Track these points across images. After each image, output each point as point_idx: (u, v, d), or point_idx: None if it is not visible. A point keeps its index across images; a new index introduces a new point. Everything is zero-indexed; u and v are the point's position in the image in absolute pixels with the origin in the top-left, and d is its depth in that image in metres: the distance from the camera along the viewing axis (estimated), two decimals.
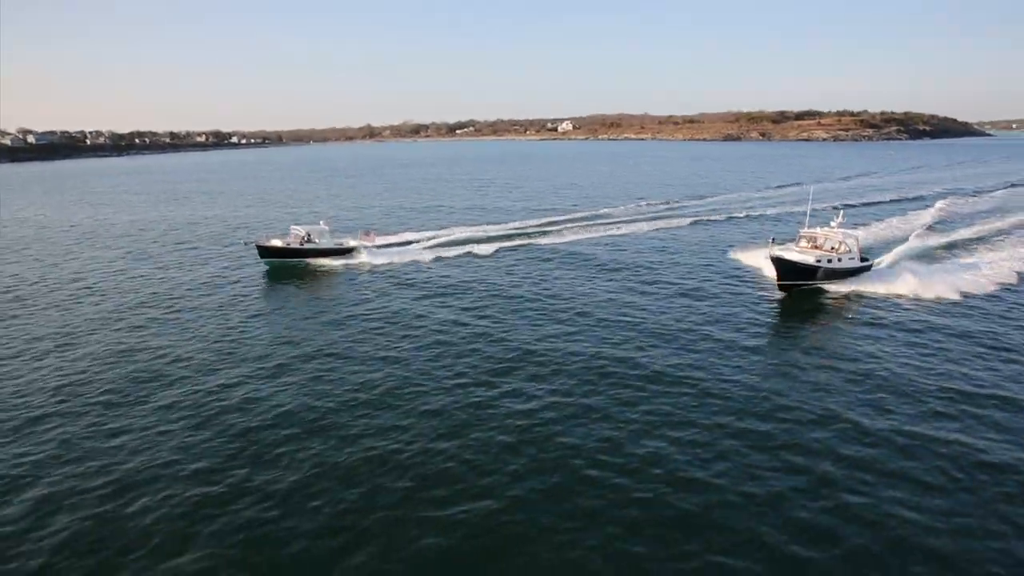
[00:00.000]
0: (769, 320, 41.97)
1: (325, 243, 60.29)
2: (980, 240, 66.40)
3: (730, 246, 65.38)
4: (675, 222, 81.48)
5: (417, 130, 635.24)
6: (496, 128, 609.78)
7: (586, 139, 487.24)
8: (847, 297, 46.28)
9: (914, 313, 42.84)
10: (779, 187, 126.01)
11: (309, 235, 59.92)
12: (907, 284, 47.47)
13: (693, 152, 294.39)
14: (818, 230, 51.36)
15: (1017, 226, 74.88)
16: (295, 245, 58.86)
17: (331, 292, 49.88)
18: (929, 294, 46.25)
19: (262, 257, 58.43)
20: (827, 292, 47.03)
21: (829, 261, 47.09)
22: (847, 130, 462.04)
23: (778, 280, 46.47)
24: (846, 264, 47.88)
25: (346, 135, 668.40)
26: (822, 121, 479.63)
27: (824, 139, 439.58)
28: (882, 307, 44.07)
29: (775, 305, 44.93)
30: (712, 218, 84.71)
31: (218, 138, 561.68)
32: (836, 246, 49.09)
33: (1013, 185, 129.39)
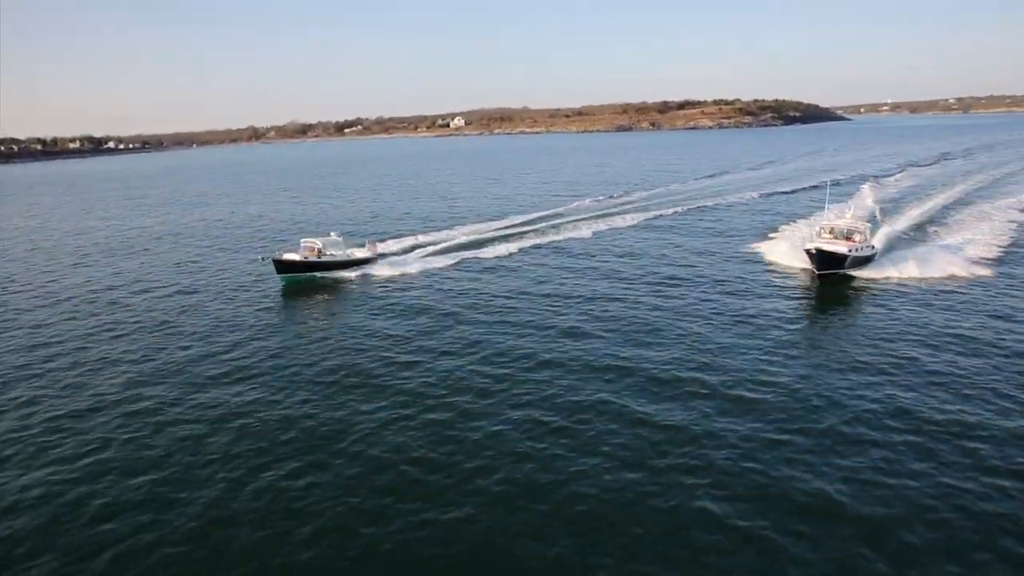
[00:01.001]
0: (820, 308, 45.19)
1: (341, 255, 58.82)
2: (937, 220, 72.76)
3: (734, 237, 68.71)
4: (647, 215, 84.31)
5: (304, 130, 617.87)
6: (386, 126, 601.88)
7: (481, 134, 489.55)
8: (871, 282, 50.08)
9: (935, 292, 46.96)
10: (712, 176, 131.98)
11: (322, 247, 58.30)
12: (912, 267, 51.91)
13: (597, 144, 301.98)
14: (840, 220, 55.43)
15: (956, 202, 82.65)
16: (312, 258, 57.16)
17: (351, 306, 48.98)
18: (937, 273, 50.79)
19: (280, 272, 56.40)
20: (854, 279, 50.66)
21: (857, 250, 50.90)
22: (729, 118, 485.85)
23: (817, 269, 49.70)
24: (866, 252, 51.86)
25: (230, 137, 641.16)
26: (705, 110, 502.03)
27: (710, 127, 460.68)
28: (902, 289, 48.05)
29: (812, 293, 48.21)
30: (677, 210, 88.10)
31: (94, 144, 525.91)
32: (858, 235, 53.14)
33: (913, 165, 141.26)
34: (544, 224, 78.70)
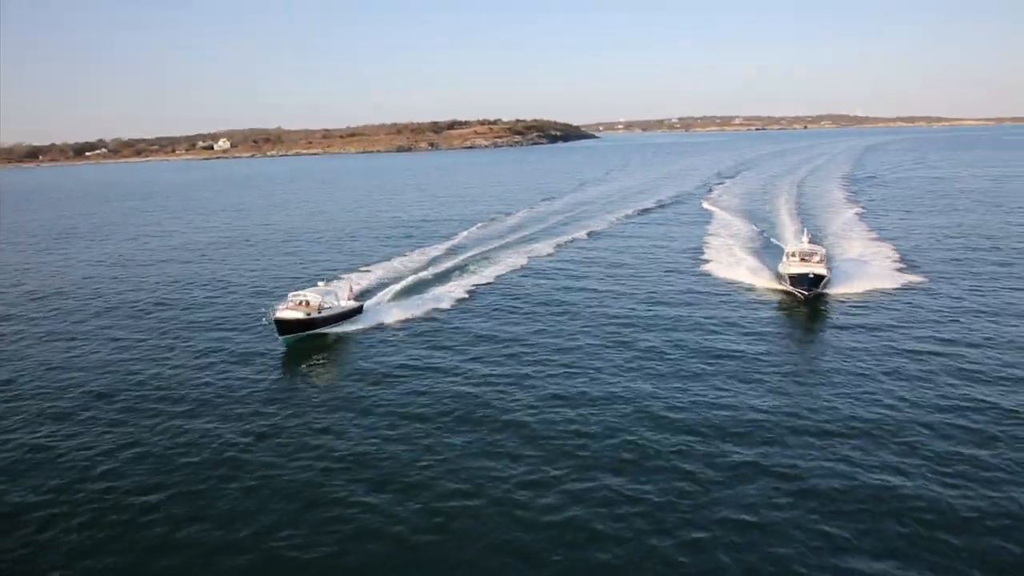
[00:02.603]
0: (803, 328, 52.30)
1: (337, 307, 54.29)
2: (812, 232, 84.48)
3: (687, 261, 74.85)
4: (560, 240, 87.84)
5: (34, 154, 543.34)
6: (137, 148, 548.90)
7: (252, 156, 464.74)
8: (833, 300, 57.60)
9: (890, 306, 55.60)
10: (552, 198, 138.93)
11: (321, 300, 53.15)
12: (863, 283, 60.90)
13: (395, 164, 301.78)
14: (806, 246, 63.43)
15: (821, 210, 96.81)
16: (314, 314, 51.88)
17: (367, 374, 44.81)
18: (890, 284, 60.14)
19: (282, 334, 50.37)
20: (827, 296, 58.13)
21: (829, 271, 59.04)
22: (501, 137, 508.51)
23: (805, 291, 56.79)
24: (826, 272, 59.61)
25: None
26: (477, 129, 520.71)
27: (485, 146, 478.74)
28: (863, 304, 56.23)
29: (794, 313, 55.27)
30: (580, 235, 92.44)
31: None
32: (820, 258, 61.04)
33: (725, 177, 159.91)
34: (463, 256, 78.54)
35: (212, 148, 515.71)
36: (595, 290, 62.90)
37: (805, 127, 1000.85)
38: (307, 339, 51.06)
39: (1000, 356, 43.04)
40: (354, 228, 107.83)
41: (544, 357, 45.43)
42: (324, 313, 52.29)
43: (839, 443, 32.69)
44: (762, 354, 44.82)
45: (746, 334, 49.14)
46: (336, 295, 55.59)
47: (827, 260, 61.89)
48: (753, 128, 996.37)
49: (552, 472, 30.89)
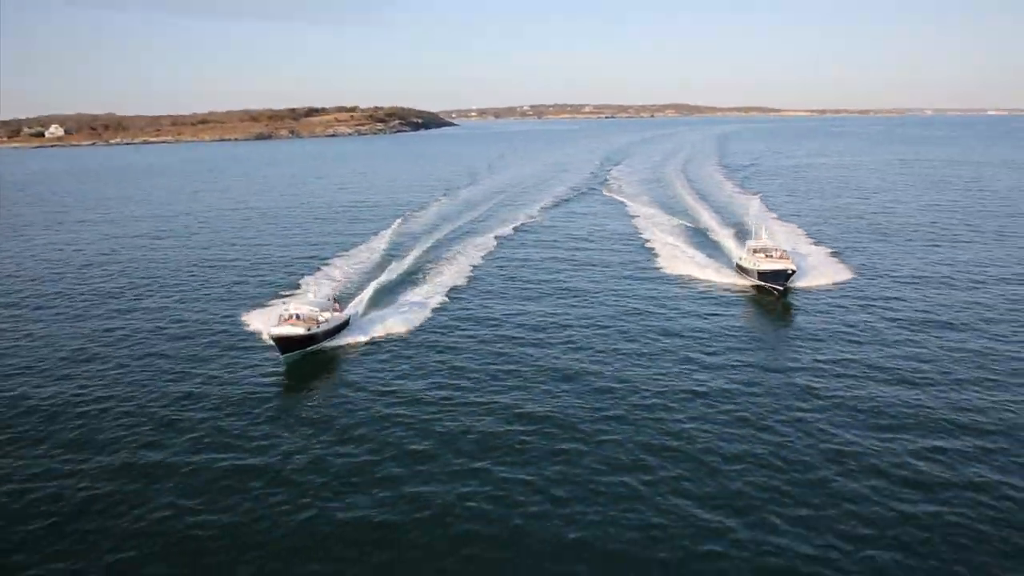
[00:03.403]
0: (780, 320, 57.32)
1: (333, 319, 50.27)
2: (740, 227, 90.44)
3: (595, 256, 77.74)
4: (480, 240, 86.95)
5: None
6: None
7: (93, 144, 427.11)
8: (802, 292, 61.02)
9: (855, 295, 61.13)
10: (452, 190, 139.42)
11: (319, 314, 49.25)
12: (825, 275, 64.25)
13: (249, 154, 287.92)
14: (766, 242, 65.64)
15: (726, 200, 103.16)
16: (315, 329, 47.84)
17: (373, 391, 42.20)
18: (844, 276, 64.40)
19: (284, 352, 46.28)
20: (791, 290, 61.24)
21: (796, 266, 61.73)
22: (363, 125, 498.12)
23: (780, 286, 59.45)
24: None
25: None
26: (338, 117, 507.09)
27: (349, 133, 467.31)
28: (826, 296, 60.35)
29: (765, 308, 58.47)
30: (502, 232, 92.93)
31: None
32: (781, 253, 62.93)
33: (611, 164, 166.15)
34: (412, 256, 75.36)
35: (43, 135, 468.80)
36: (563, 297, 60.92)
37: (652, 115, 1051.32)
38: (307, 356, 47.30)
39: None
40: (286, 222, 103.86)
41: (533, 366, 45.12)
42: (323, 327, 48.64)
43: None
44: (771, 356, 46.94)
45: (740, 338, 49.89)
46: (329, 306, 51.74)
47: (787, 255, 63.01)
48: (603, 116, 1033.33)
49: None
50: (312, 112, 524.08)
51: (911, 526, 27.75)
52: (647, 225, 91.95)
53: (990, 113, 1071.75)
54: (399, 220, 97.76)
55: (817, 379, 41.75)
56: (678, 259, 72.42)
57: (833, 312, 54.90)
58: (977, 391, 39.78)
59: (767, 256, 62.66)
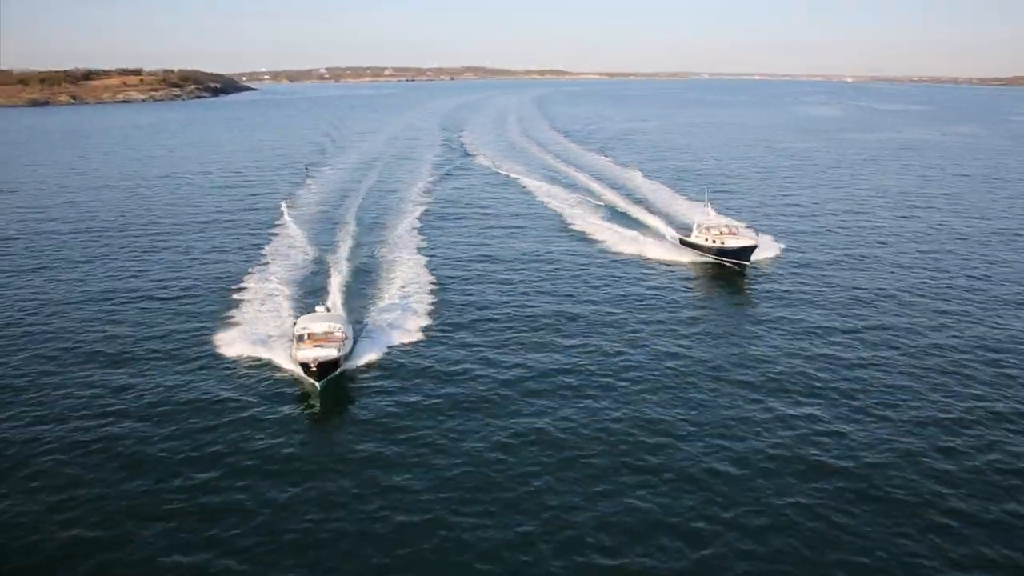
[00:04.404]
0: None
1: (351, 335, 45.81)
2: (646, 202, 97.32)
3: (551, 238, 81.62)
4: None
5: None
6: None
7: None
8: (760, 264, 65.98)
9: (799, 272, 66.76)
10: (323, 166, 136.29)
11: (326, 331, 43.98)
12: (766, 250, 67.26)
13: (31, 125, 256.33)
14: (719, 218, 67.95)
15: (604, 170, 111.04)
16: (343, 349, 42.88)
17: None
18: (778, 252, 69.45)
19: (320, 379, 41.25)
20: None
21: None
22: (157, 90, 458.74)
23: (746, 261, 63.31)
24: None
25: None
26: (127, 81, 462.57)
27: (143, 100, 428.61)
28: (776, 273, 65.12)
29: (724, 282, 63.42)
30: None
31: None
32: (731, 229, 65.89)
33: (455, 132, 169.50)
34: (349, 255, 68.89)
35: None
36: (514, 288, 60.45)
37: (452, 78, 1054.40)
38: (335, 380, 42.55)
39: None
40: (163, 219, 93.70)
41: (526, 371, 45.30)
42: (348, 346, 44.03)
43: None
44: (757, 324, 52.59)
45: (721, 313, 55.41)
46: (341, 320, 46.54)
47: (736, 229, 65.82)
48: (404, 79, 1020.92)
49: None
50: (91, 75, 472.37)
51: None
52: (554, 200, 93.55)
53: (756, 78, 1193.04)
54: (285, 204, 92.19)
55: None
56: (629, 240, 73.25)
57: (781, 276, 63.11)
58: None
59: (723, 232, 65.21)
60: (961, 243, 75.47)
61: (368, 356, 45.65)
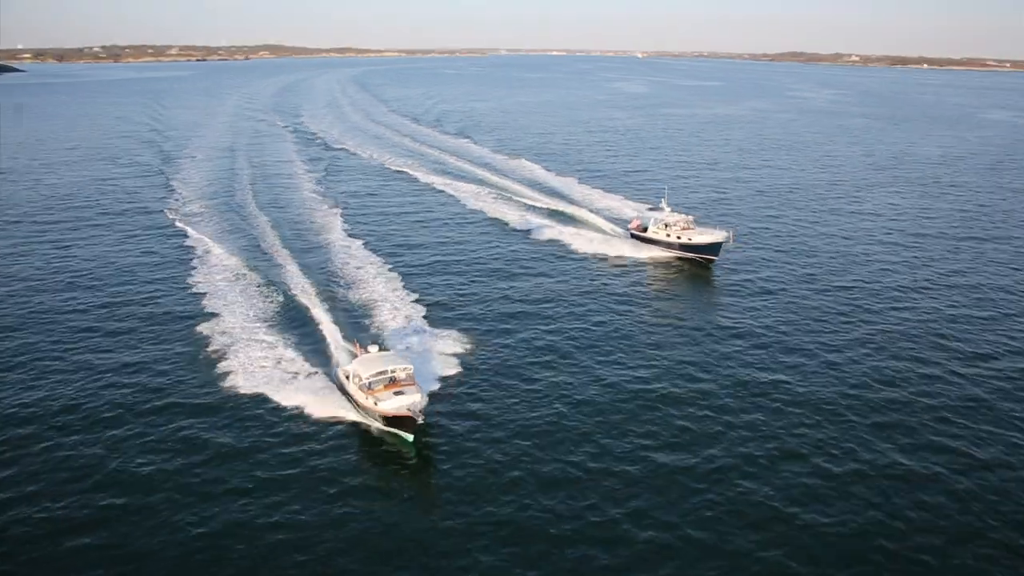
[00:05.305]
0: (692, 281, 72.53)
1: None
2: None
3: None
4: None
5: None
6: None
7: None
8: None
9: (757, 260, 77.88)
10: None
11: (398, 375, 40.11)
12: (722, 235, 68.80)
13: None
14: (676, 215, 70.89)
15: (502, 166, 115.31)
16: (421, 392, 39.51)
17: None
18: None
19: (415, 430, 38.01)
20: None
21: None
22: None
23: (715, 256, 67.22)
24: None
25: None
26: None
27: None
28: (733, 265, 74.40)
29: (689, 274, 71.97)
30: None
31: None
32: (686, 224, 69.68)
33: (296, 118, 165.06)
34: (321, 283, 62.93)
35: None
36: (514, 306, 59.18)
37: (247, 57, 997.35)
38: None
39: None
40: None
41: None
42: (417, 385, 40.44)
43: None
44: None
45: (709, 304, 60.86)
46: (402, 359, 42.67)
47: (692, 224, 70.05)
48: (195, 59, 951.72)
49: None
50: None
51: None
52: (473, 201, 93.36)
53: (553, 53, 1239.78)
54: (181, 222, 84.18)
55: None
56: (579, 236, 75.52)
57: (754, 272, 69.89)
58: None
59: (685, 228, 68.77)
60: (774, 197, 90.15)
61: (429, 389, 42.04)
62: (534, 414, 41.71)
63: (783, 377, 46.34)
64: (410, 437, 37.80)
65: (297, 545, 31.15)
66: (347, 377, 41.27)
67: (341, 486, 35.04)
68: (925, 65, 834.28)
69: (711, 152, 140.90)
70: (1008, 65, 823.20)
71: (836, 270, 68.00)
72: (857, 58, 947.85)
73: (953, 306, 59.26)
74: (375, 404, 37.99)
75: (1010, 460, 37.61)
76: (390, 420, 37.78)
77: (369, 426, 39.65)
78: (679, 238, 68.98)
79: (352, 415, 40.60)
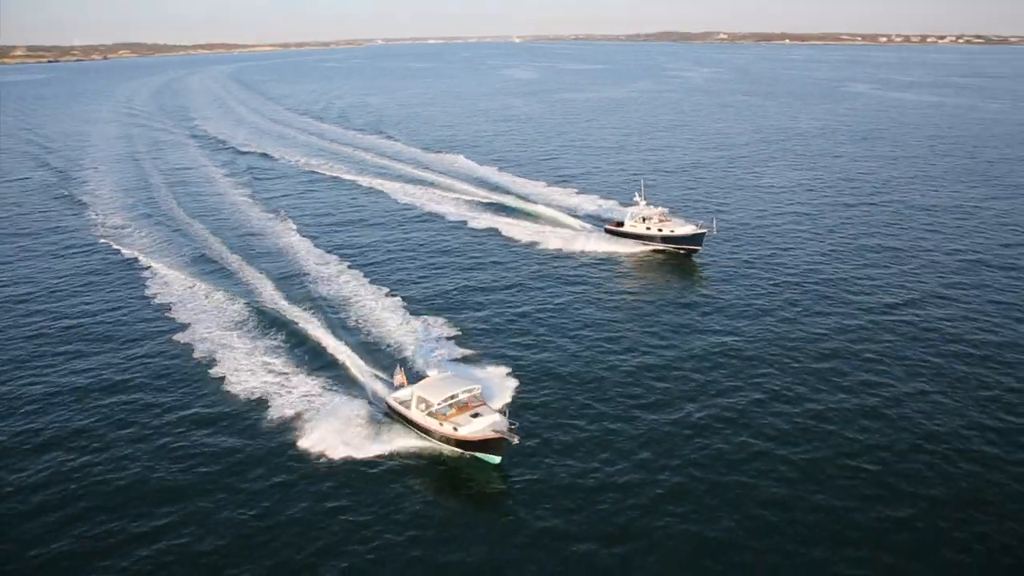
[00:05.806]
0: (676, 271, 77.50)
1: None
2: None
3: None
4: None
5: None
6: None
7: None
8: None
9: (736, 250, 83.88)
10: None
11: (467, 397, 39.41)
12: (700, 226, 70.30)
13: None
14: (651, 208, 71.66)
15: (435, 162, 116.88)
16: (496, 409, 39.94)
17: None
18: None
19: (499, 452, 36.92)
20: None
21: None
22: None
23: (698, 246, 68.81)
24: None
25: None
26: None
27: None
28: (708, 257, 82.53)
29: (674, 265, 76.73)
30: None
31: None
32: (661, 216, 71.27)
33: (208, 118, 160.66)
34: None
35: None
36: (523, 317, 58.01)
37: (105, 57, 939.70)
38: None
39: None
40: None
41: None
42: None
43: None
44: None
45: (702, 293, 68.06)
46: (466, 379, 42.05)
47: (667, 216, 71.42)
48: (44, 60, 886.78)
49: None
50: None
51: None
52: (427, 202, 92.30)
53: (431, 42, 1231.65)
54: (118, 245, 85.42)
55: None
56: (544, 234, 75.84)
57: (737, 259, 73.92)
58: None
59: (663, 220, 70.16)
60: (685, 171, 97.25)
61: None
62: (584, 424, 43.52)
63: (729, 339, 52.19)
64: (496, 459, 36.42)
65: None
66: (405, 404, 39.16)
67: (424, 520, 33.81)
68: (787, 41, 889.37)
69: (612, 135, 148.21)
70: (860, 39, 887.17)
71: (754, 242, 74.83)
72: (725, 36, 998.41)
73: (860, 267, 66.99)
74: (454, 430, 36.46)
75: (924, 387, 45.04)
76: (472, 444, 36.40)
77: (439, 451, 38.17)
78: (660, 231, 70.02)
79: (413, 440, 38.73)
